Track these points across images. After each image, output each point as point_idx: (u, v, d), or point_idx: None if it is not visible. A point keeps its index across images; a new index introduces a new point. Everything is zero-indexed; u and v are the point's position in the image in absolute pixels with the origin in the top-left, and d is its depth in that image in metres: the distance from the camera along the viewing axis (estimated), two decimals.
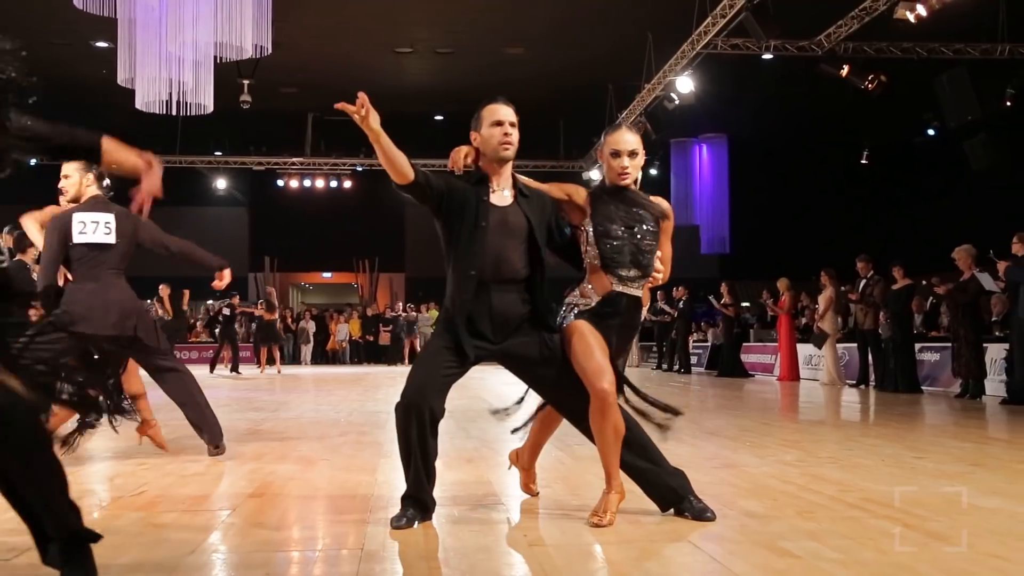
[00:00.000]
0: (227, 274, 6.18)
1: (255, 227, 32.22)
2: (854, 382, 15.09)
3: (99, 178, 5.71)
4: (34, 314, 2.66)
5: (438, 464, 3.89)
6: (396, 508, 3.84)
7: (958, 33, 17.44)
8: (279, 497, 4.54)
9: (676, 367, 21.27)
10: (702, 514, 3.80)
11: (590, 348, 3.83)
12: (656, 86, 19.89)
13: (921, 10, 14.19)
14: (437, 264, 3.93)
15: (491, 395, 11.72)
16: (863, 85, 17.11)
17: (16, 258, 7.64)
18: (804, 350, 17.66)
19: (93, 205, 5.61)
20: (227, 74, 17.21)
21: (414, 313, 28.00)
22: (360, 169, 28.23)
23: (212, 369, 19.77)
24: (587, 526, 3.70)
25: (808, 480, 4.89)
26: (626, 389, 3.98)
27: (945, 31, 17.01)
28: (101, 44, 19.17)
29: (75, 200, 5.66)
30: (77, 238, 5.49)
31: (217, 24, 13.18)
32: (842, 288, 15.30)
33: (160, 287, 17.60)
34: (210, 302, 25.62)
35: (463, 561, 3.23)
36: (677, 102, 19.21)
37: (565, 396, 3.94)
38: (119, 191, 5.74)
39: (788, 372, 16.90)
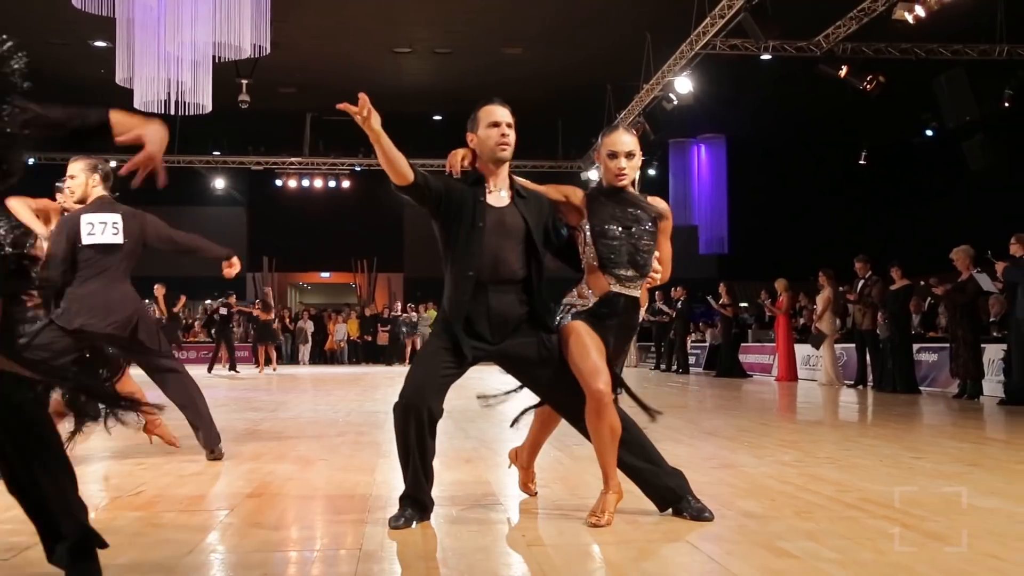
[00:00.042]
0: (236, 262, 6.16)
1: (253, 227, 32.21)
2: (852, 382, 15.10)
3: (105, 179, 5.71)
4: (31, 303, 2.65)
5: (436, 464, 3.89)
6: (394, 508, 3.84)
7: (956, 34, 17.46)
8: (277, 497, 4.53)
9: (674, 367, 21.27)
10: (700, 514, 3.80)
11: (586, 349, 3.83)
12: (655, 86, 19.91)
13: (919, 11, 14.21)
14: (435, 264, 3.93)
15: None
16: (862, 86, 17.12)
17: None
18: (802, 350, 17.67)
19: (100, 206, 5.60)
20: (225, 74, 17.20)
21: (414, 313, 28.00)
22: (358, 169, 28.23)
23: (210, 369, 19.78)
24: (585, 526, 3.70)
25: (806, 480, 4.89)
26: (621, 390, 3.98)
27: (943, 32, 17.04)
28: (99, 44, 19.18)
29: (81, 201, 5.65)
30: (86, 240, 5.47)
31: (216, 24, 13.17)
32: (840, 288, 15.30)
33: (156, 287, 17.60)
34: (208, 302, 25.62)
35: (461, 561, 3.23)
36: (676, 102, 19.22)
37: (562, 396, 3.94)
38: (122, 191, 5.77)
39: (786, 372, 16.91)
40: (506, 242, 3.88)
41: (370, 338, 28.97)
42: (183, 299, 18.98)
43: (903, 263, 13.74)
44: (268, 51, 14.06)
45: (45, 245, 5.57)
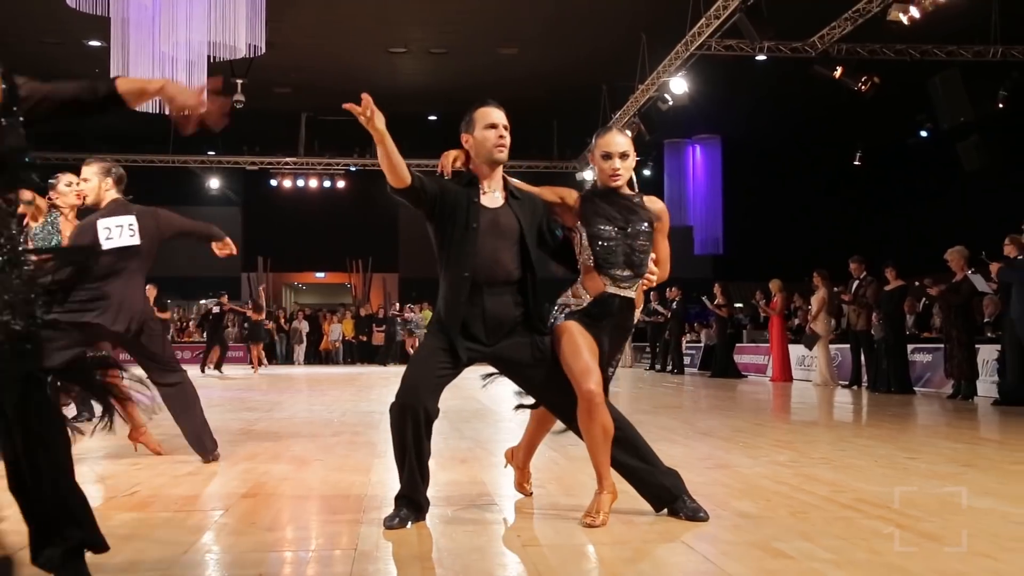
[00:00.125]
0: (229, 242, 6.18)
1: (248, 227, 32.16)
2: (847, 383, 15.11)
3: (118, 181, 5.70)
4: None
5: (432, 464, 3.89)
6: (390, 508, 3.84)
7: (951, 35, 17.49)
8: (272, 497, 4.53)
9: (669, 368, 21.27)
10: (695, 514, 3.80)
11: (578, 349, 3.83)
12: (650, 87, 19.92)
13: (914, 12, 14.24)
14: (430, 264, 3.93)
15: (484, 396, 11.71)
16: (856, 86, 17.16)
17: None
18: (796, 351, 17.69)
19: (115, 209, 5.59)
20: (220, 73, 17.17)
21: (411, 314, 28.00)
22: (353, 169, 28.22)
23: (203, 369, 19.77)
24: (580, 526, 3.70)
25: (801, 481, 4.90)
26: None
27: (938, 33, 17.06)
28: (94, 43, 19.13)
29: (96, 205, 5.65)
30: (105, 244, 5.46)
31: (210, 23, 13.16)
32: (835, 289, 15.32)
33: (147, 288, 17.57)
34: (203, 302, 25.62)
35: (457, 561, 3.23)
36: (671, 103, 19.24)
37: (556, 397, 3.94)
38: (127, 192, 5.77)
39: (780, 373, 16.93)
40: (500, 243, 3.88)
41: (365, 338, 28.95)
42: (168, 314, 18.98)
43: (898, 264, 13.75)
44: (263, 51, 14.05)
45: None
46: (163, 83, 2.96)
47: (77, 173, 6.00)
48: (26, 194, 2.73)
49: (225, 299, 21.13)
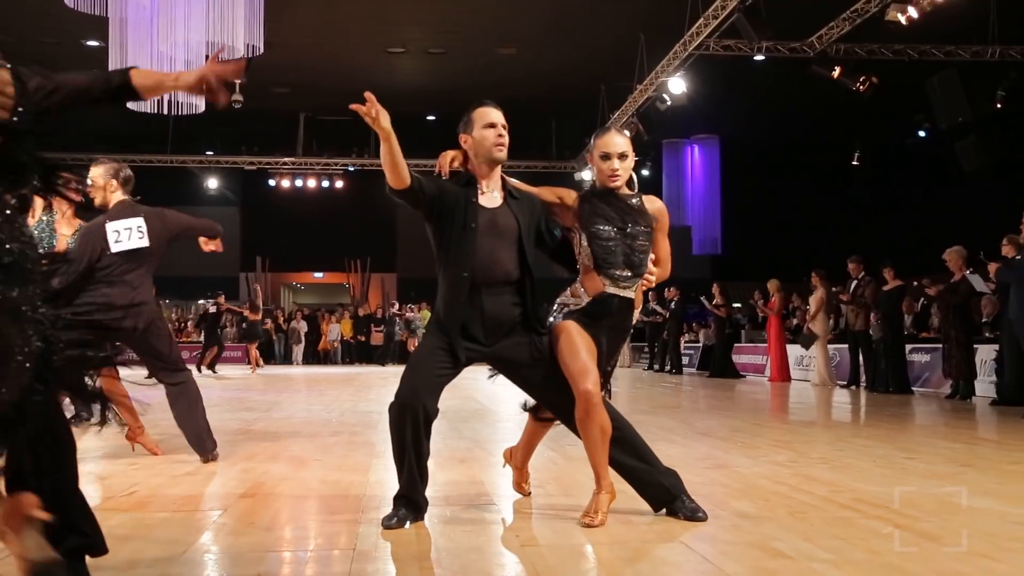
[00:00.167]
0: (220, 241, 6.19)
1: (246, 227, 32.18)
2: (845, 383, 15.12)
3: (124, 183, 5.70)
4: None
5: (430, 464, 3.89)
6: (388, 508, 3.84)
7: (949, 35, 17.50)
8: (271, 497, 4.53)
9: (667, 368, 21.28)
10: (694, 514, 3.80)
11: (576, 348, 3.84)
12: (648, 87, 19.92)
13: (912, 12, 14.25)
14: (429, 264, 3.93)
15: (483, 396, 11.72)
16: (855, 86, 17.17)
17: None
18: (794, 351, 17.70)
19: (122, 211, 5.59)
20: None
21: (411, 314, 28.00)
22: (352, 169, 28.21)
23: (199, 368, 19.76)
24: (579, 526, 3.70)
25: (800, 481, 4.90)
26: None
27: (936, 33, 17.07)
28: (92, 43, 19.11)
29: (103, 207, 5.65)
30: (114, 247, 5.46)
31: (209, 23, 13.15)
32: (833, 289, 15.33)
33: None
34: (201, 302, 25.65)
35: (455, 561, 3.23)
36: (669, 103, 19.24)
37: (555, 396, 3.94)
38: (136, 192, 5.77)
39: (778, 373, 16.93)
40: (499, 243, 3.88)
41: (363, 338, 28.95)
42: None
43: (896, 264, 13.76)
44: (261, 51, 14.04)
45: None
46: (177, 75, 2.94)
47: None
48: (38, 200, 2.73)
49: (222, 299, 21.15)
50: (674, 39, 17.71)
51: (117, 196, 5.65)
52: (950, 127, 18.11)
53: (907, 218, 26.54)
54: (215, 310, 20.63)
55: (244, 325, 22.95)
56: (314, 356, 29.56)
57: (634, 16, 18.67)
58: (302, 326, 29.46)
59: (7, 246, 2.40)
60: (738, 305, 24.18)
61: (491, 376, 4.20)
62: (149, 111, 14.90)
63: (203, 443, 5.71)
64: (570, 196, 4.05)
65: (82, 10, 13.46)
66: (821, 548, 3.32)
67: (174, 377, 5.69)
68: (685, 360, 22.36)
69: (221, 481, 5.06)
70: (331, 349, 29.66)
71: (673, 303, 21.01)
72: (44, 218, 6.65)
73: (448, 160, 3.99)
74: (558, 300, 4.02)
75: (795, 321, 19.15)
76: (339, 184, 28.51)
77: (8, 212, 2.45)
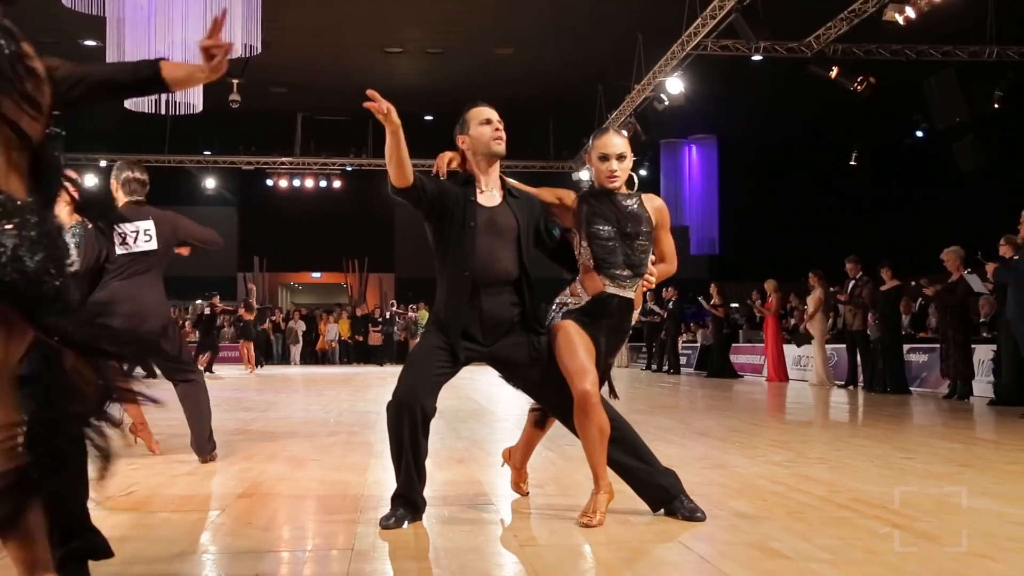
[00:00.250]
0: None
1: (244, 227, 32.16)
2: (843, 383, 15.13)
3: (124, 184, 5.70)
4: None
5: (428, 464, 3.88)
6: (386, 508, 3.84)
7: (946, 35, 17.51)
8: (269, 497, 4.53)
9: (665, 368, 21.29)
10: (693, 514, 3.80)
11: (574, 348, 3.84)
12: (646, 87, 19.91)
13: (910, 12, 14.25)
14: (427, 264, 3.94)
15: (481, 396, 11.72)
16: (852, 87, 17.17)
17: None
18: (792, 351, 17.72)
19: (129, 213, 5.59)
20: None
21: (413, 314, 28.00)
22: (349, 169, 28.18)
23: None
24: (577, 526, 3.70)
25: (798, 481, 4.90)
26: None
27: (934, 33, 17.08)
28: (89, 43, 19.09)
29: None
30: (120, 249, 5.46)
31: (206, 23, 13.11)
32: (831, 289, 15.33)
33: None
34: (199, 302, 25.66)
35: (453, 561, 3.23)
36: (667, 103, 19.23)
37: (553, 396, 3.94)
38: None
39: (775, 373, 16.94)
40: (497, 241, 3.88)
41: (361, 338, 28.94)
42: None
43: (893, 264, 13.77)
44: (259, 51, 14.02)
45: None
46: (202, 68, 2.91)
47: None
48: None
49: (216, 300, 21.16)
50: (672, 39, 17.70)
51: (120, 198, 5.66)
52: (948, 127, 18.12)
53: (905, 218, 26.54)
54: (209, 311, 20.64)
55: (240, 324, 22.97)
56: (312, 356, 29.55)
57: (632, 16, 18.66)
58: (300, 326, 29.45)
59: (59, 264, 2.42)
60: (736, 305, 24.18)
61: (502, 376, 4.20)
62: (147, 111, 14.87)
63: (204, 443, 5.71)
64: (569, 197, 4.05)
65: (79, 10, 13.43)
66: (819, 548, 3.32)
67: (184, 377, 5.70)
68: (683, 360, 22.37)
69: (219, 481, 5.06)
70: (329, 349, 29.66)
71: (671, 303, 21.02)
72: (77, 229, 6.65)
73: (446, 161, 4.00)
74: (557, 299, 4.03)
75: (792, 321, 19.16)
76: (337, 184, 28.48)
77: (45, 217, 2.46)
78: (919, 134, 24.31)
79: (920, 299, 16.17)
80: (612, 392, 4.13)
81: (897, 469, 5.39)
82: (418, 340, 4.36)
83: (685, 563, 3.20)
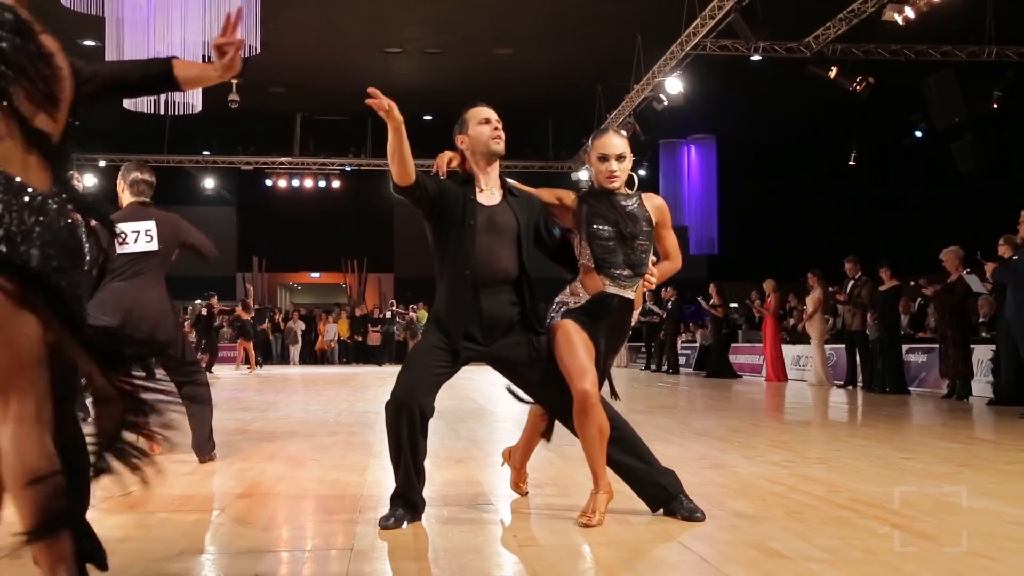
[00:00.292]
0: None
1: (243, 227, 32.14)
2: (842, 383, 15.13)
3: (131, 185, 5.70)
4: None
5: (427, 464, 3.88)
6: (385, 508, 3.83)
7: (945, 35, 17.51)
8: (268, 497, 4.53)
9: (664, 368, 21.29)
10: (692, 514, 3.80)
11: (574, 348, 3.84)
12: (645, 87, 19.91)
13: (909, 12, 14.25)
14: (426, 264, 3.94)
15: (480, 396, 11.72)
16: (851, 87, 17.17)
17: None
18: (791, 351, 17.72)
19: (132, 213, 5.59)
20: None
21: (413, 314, 28.00)
22: (348, 169, 28.18)
23: None
24: (576, 526, 3.70)
25: (797, 481, 4.90)
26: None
27: (933, 33, 17.08)
28: (89, 43, 19.08)
29: (121, 207, 5.65)
30: (120, 249, 5.45)
31: (205, 23, 13.13)
32: (830, 289, 15.33)
33: None
34: (198, 302, 25.69)
35: (453, 561, 3.23)
36: (666, 103, 19.23)
37: (553, 396, 3.94)
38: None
39: (774, 373, 16.94)
40: (497, 240, 3.89)
41: (360, 338, 28.93)
42: None
43: (893, 264, 13.77)
44: (258, 51, 14.01)
45: None
46: (215, 67, 2.90)
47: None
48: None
49: (214, 300, 21.18)
50: (671, 39, 17.71)
51: (126, 197, 5.66)
52: (947, 127, 18.12)
53: (904, 218, 26.54)
54: (207, 312, 20.65)
55: (238, 324, 22.98)
56: (311, 356, 29.54)
57: (631, 16, 18.66)
58: (299, 326, 29.44)
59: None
60: (735, 305, 24.18)
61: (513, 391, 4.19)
62: (146, 111, 14.86)
63: (204, 444, 5.71)
64: (569, 197, 4.06)
65: (78, 10, 13.43)
66: (818, 548, 3.32)
67: (186, 376, 5.70)
68: (682, 360, 22.37)
69: (218, 481, 5.06)
70: (328, 349, 29.64)
71: (670, 303, 21.01)
72: None
73: (445, 161, 4.00)
74: (557, 299, 4.03)
75: (792, 321, 19.16)
76: (336, 184, 28.48)
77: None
78: (918, 134, 24.33)
79: (919, 299, 16.18)
80: (613, 393, 4.13)
81: (896, 469, 5.39)
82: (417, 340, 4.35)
83: (684, 563, 3.20)
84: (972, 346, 12.16)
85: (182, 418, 5.73)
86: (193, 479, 5.11)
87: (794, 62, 17.91)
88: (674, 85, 18.72)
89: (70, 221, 2.45)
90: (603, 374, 3.98)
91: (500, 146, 3.95)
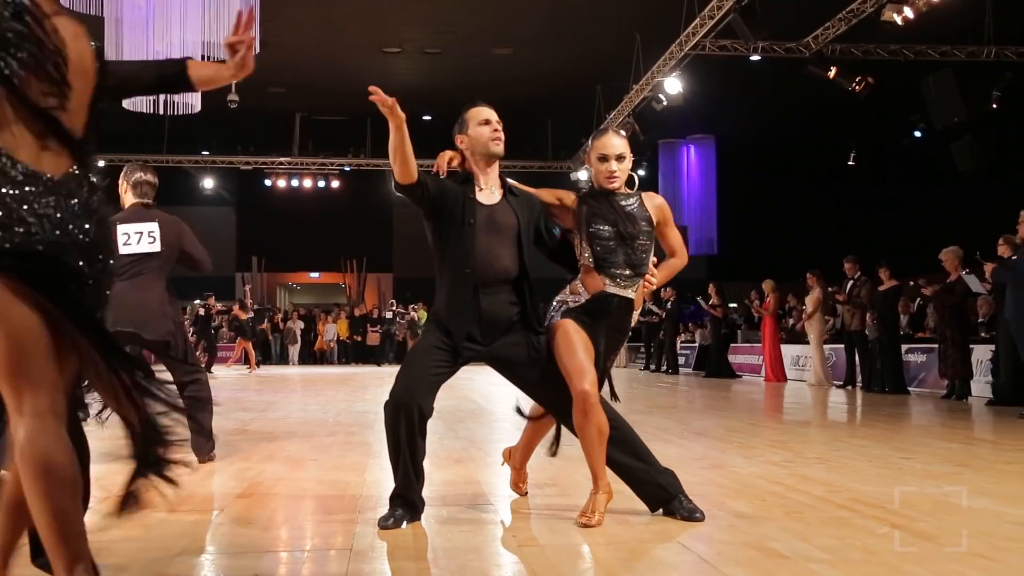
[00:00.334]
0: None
1: (242, 227, 32.13)
2: (841, 383, 15.13)
3: (134, 186, 5.70)
4: None
5: (426, 464, 3.88)
6: (385, 508, 3.83)
7: (944, 35, 17.52)
8: (267, 497, 4.52)
9: (664, 368, 21.29)
10: (692, 514, 3.80)
11: (573, 348, 3.84)
12: (644, 87, 19.91)
13: (908, 12, 14.25)
14: (425, 264, 3.93)
15: (479, 396, 11.72)
16: (850, 87, 17.17)
17: None
18: (790, 351, 17.72)
19: (135, 214, 5.59)
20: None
21: (413, 314, 27.99)
22: (348, 169, 28.18)
23: None
24: (576, 526, 3.70)
25: (796, 481, 4.90)
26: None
27: (932, 33, 17.09)
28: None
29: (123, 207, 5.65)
30: (123, 249, 5.45)
31: (204, 23, 13.13)
32: (829, 289, 15.33)
33: None
34: (196, 302, 25.73)
35: (452, 561, 3.22)
36: (665, 103, 19.22)
37: (552, 395, 3.94)
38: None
39: (773, 373, 16.94)
40: (497, 239, 3.88)
41: (360, 338, 28.92)
42: None
43: (892, 264, 13.77)
44: (257, 50, 13.95)
45: None
46: (228, 66, 2.89)
47: None
48: None
49: (212, 300, 21.17)
50: (670, 39, 17.71)
51: (128, 198, 5.66)
52: (946, 127, 18.12)
53: (903, 218, 26.54)
54: (204, 312, 20.64)
55: (236, 324, 22.99)
56: (310, 356, 29.52)
57: (630, 16, 18.67)
58: (298, 326, 29.43)
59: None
60: (734, 305, 24.18)
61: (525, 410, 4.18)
62: (145, 111, 14.85)
63: (203, 444, 5.71)
64: (569, 197, 4.06)
65: (77, 10, 13.42)
66: (818, 548, 3.32)
67: (187, 375, 5.71)
68: (681, 360, 22.36)
69: (218, 481, 5.05)
70: (327, 349, 29.62)
71: (669, 303, 21.01)
72: None
73: (446, 160, 4.00)
74: (557, 298, 4.03)
75: (791, 321, 19.16)
76: (335, 184, 28.49)
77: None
78: (917, 134, 24.34)
79: (918, 299, 16.19)
80: (613, 395, 4.13)
81: (895, 469, 5.39)
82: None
83: (683, 563, 3.20)
84: (971, 346, 12.16)
85: (182, 418, 5.75)
86: (192, 479, 5.09)
87: (793, 62, 17.91)
88: (673, 85, 18.72)
89: (93, 205, 2.44)
90: (603, 375, 3.98)
91: (499, 147, 3.95)
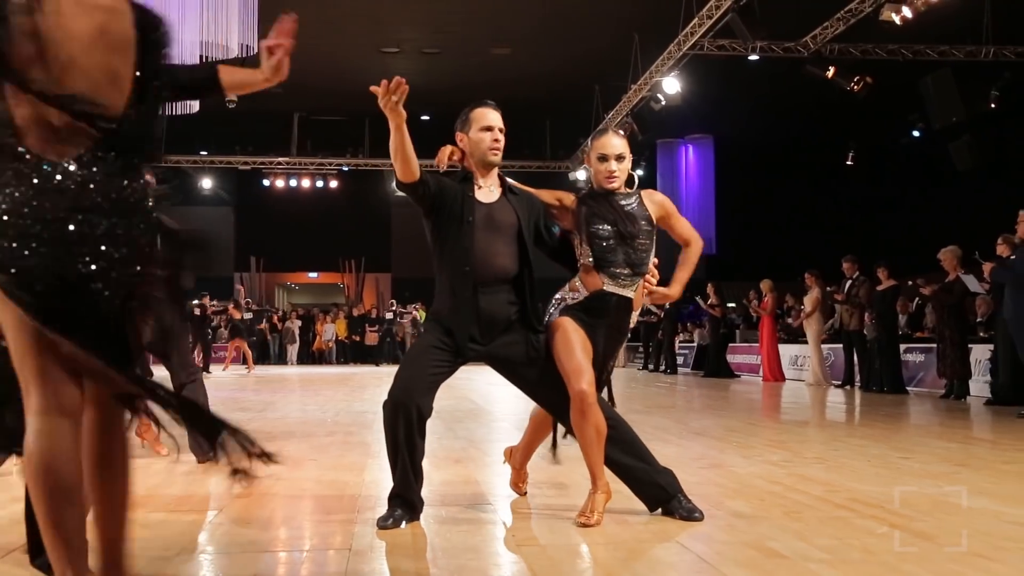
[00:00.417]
0: None
1: (241, 227, 32.06)
2: (840, 383, 15.13)
3: None
4: None
5: (425, 464, 3.88)
6: (383, 508, 3.83)
7: (943, 35, 17.52)
8: (266, 497, 4.52)
9: (662, 367, 21.30)
10: (691, 514, 3.80)
11: (571, 347, 3.84)
12: (643, 87, 19.91)
13: (906, 12, 14.25)
14: (423, 264, 3.93)
15: (478, 395, 11.72)
16: (849, 86, 17.17)
17: None
18: (788, 351, 17.72)
19: None
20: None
21: (413, 313, 27.98)
22: (346, 169, 28.16)
23: None
24: (575, 526, 3.70)
25: (795, 480, 4.90)
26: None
27: (930, 33, 17.09)
28: None
29: None
30: None
31: (203, 23, 13.12)
32: (828, 289, 15.34)
33: None
34: (196, 302, 25.77)
35: (451, 561, 3.22)
36: (663, 103, 19.22)
37: (551, 395, 3.94)
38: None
39: (771, 373, 16.94)
40: (496, 237, 3.88)
41: (358, 338, 28.90)
42: None
43: (890, 263, 13.77)
44: (256, 50, 14.01)
45: None
46: (262, 71, 2.85)
47: None
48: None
49: (207, 300, 21.16)
50: (668, 39, 17.71)
51: None
52: (944, 127, 18.13)
53: (901, 218, 26.54)
54: (200, 312, 20.64)
55: (231, 324, 22.98)
56: (309, 356, 29.49)
57: (629, 16, 18.66)
58: (296, 326, 29.41)
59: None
60: (732, 305, 24.18)
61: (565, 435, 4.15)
62: None
63: (201, 444, 5.70)
64: (568, 198, 4.06)
65: None
66: (817, 548, 3.32)
67: (186, 376, 5.71)
68: (680, 360, 22.36)
69: (217, 481, 5.05)
70: (326, 349, 29.60)
71: (668, 303, 20.97)
72: None
73: (447, 154, 3.99)
74: (556, 295, 4.03)
75: (790, 320, 19.15)
76: (333, 184, 28.48)
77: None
78: (916, 134, 24.31)
79: (917, 299, 16.18)
80: (610, 399, 4.14)
81: (894, 469, 5.39)
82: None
83: (682, 563, 3.20)
84: (970, 346, 12.17)
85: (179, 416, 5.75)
86: (191, 479, 5.10)
87: (792, 62, 17.90)
88: (672, 85, 18.72)
89: (123, 182, 2.38)
90: (603, 378, 3.98)
91: (496, 159, 3.94)
